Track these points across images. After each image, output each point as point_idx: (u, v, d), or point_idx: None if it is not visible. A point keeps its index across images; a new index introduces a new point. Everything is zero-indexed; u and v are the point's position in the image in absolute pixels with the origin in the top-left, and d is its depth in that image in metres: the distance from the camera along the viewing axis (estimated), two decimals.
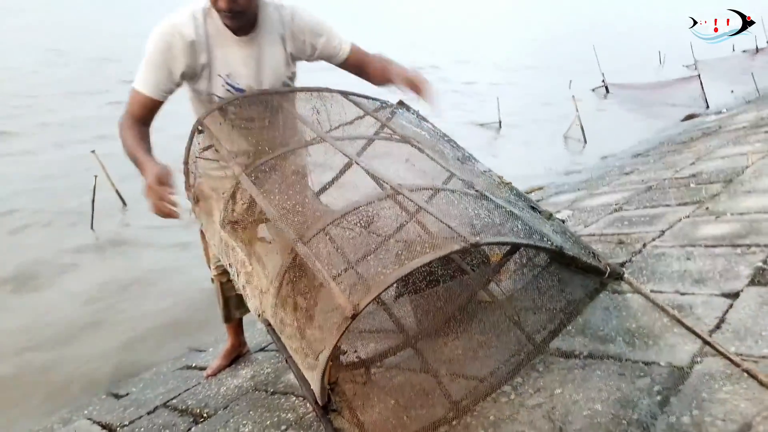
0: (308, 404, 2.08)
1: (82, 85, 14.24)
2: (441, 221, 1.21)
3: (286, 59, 1.91)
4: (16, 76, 14.88)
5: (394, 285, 1.56)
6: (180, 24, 1.81)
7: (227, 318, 2.63)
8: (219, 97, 1.92)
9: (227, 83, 1.89)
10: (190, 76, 1.88)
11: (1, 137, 9.80)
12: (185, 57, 1.81)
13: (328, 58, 1.97)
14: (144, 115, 1.88)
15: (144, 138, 1.82)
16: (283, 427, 1.97)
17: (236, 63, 1.87)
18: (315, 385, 1.26)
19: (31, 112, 11.75)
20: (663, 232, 2.92)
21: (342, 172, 1.68)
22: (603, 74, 14.20)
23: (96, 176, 6.11)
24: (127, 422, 2.47)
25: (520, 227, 1.34)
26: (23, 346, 3.86)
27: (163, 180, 1.59)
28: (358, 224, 1.37)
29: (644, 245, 2.77)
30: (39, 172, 8.01)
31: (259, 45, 1.86)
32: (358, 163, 1.39)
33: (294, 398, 2.18)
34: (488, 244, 1.21)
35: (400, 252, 1.27)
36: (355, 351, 1.70)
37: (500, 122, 10.87)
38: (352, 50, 1.95)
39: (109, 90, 12.82)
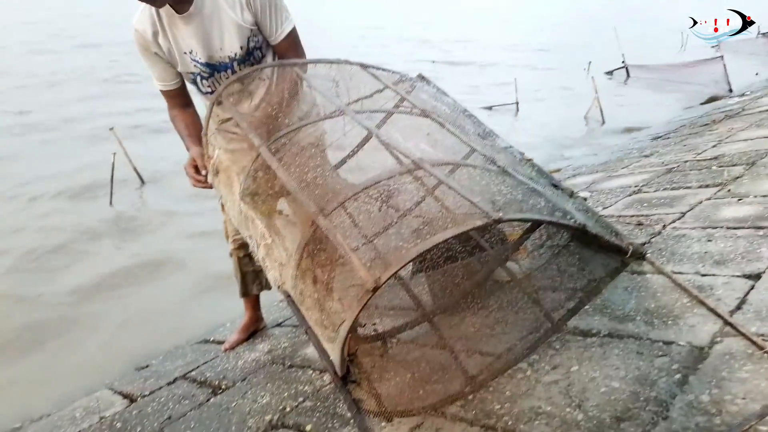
0: (325, 377, 2.11)
1: (93, 65, 14.32)
2: (463, 196, 1.20)
3: (237, 24, 1.91)
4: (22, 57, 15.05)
5: (412, 261, 1.56)
6: (137, 22, 1.96)
7: (244, 293, 2.66)
8: (191, 74, 2.04)
9: (193, 60, 1.98)
10: (172, 59, 2.00)
11: (18, 116, 9.93)
12: (155, 48, 1.97)
13: (264, 35, 1.99)
14: (176, 102, 2.14)
15: (188, 123, 2.11)
16: (301, 399, 2.00)
17: (189, 39, 1.93)
18: (335, 356, 1.27)
19: (46, 92, 11.86)
20: (683, 213, 2.88)
21: (361, 145, 1.67)
22: (623, 55, 13.91)
23: (114, 153, 6.17)
24: (147, 392, 2.52)
25: (543, 204, 1.33)
26: None
27: (196, 163, 1.89)
28: (379, 198, 1.36)
29: (664, 226, 2.73)
30: (58, 150, 8.12)
31: (201, 16, 1.88)
32: (378, 136, 1.38)
33: (311, 371, 2.21)
34: (511, 220, 1.20)
35: (421, 227, 1.26)
36: (374, 324, 1.72)
37: (517, 104, 10.74)
38: (281, 41, 1.96)
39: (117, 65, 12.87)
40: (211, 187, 1.84)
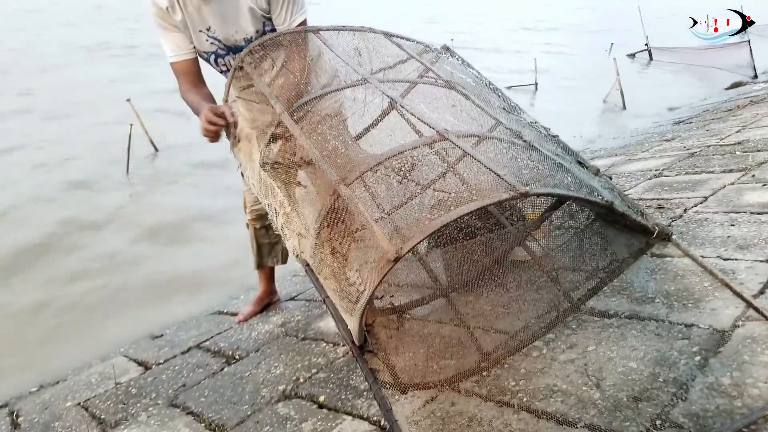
0: (338, 350, 2.12)
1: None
2: (490, 169, 1.17)
3: (252, 9, 1.91)
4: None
5: (431, 235, 1.54)
6: None
7: (259, 264, 2.67)
8: (205, 53, 2.05)
9: (210, 36, 1.98)
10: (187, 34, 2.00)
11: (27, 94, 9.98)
12: (173, 18, 1.97)
13: (276, 24, 1.97)
14: (189, 79, 2.07)
15: (200, 95, 2.02)
16: (314, 371, 2.01)
17: (208, 17, 1.94)
18: (353, 326, 1.26)
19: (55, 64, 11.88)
20: (706, 198, 2.82)
21: (384, 115, 1.65)
22: (647, 37, 13.59)
23: (131, 125, 6.19)
24: (162, 360, 2.55)
25: (569, 180, 1.30)
26: None
27: (216, 111, 1.77)
28: (401, 170, 1.34)
29: (685, 210, 2.69)
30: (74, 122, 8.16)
31: None
32: (402, 106, 1.35)
33: (324, 344, 2.21)
34: (538, 194, 1.17)
35: (445, 199, 1.24)
36: (390, 297, 1.71)
37: (536, 84, 10.57)
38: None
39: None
40: (224, 126, 1.75)
